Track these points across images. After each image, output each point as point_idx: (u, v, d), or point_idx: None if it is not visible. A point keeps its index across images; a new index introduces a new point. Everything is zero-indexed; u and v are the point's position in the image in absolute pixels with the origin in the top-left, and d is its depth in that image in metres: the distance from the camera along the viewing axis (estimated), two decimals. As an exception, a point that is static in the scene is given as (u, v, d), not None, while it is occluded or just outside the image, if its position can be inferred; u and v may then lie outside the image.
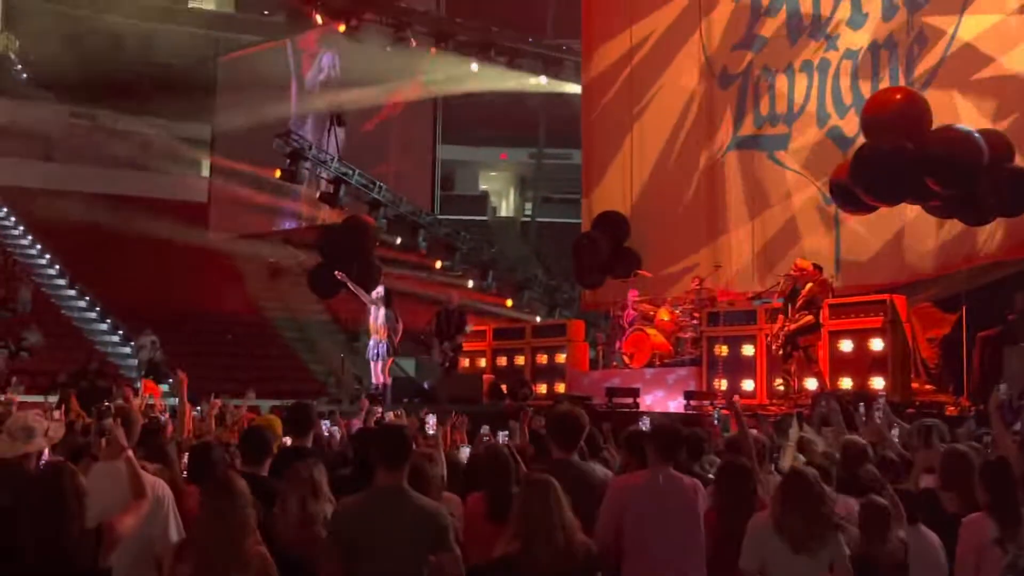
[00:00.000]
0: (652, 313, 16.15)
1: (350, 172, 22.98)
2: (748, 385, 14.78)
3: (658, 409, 14.37)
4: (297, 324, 28.80)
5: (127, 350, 25.12)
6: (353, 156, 24.70)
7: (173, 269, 27.29)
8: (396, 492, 5.01)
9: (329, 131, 26.26)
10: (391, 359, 17.27)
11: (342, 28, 23.20)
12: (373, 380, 17.25)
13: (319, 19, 23.66)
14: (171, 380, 15.39)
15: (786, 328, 13.40)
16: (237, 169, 28.76)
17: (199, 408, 10.40)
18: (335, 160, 23.16)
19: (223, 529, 4.54)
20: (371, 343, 17.21)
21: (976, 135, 11.16)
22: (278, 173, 22.94)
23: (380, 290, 17.47)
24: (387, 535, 4.91)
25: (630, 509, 5.53)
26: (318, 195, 23.39)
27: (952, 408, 12.53)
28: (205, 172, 33.66)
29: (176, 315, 25.53)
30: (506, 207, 38.01)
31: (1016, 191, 11.50)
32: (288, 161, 22.32)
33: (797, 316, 13.37)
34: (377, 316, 17.04)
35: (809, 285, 13.33)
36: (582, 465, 6.02)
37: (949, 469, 6.29)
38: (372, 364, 17.23)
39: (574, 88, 23.05)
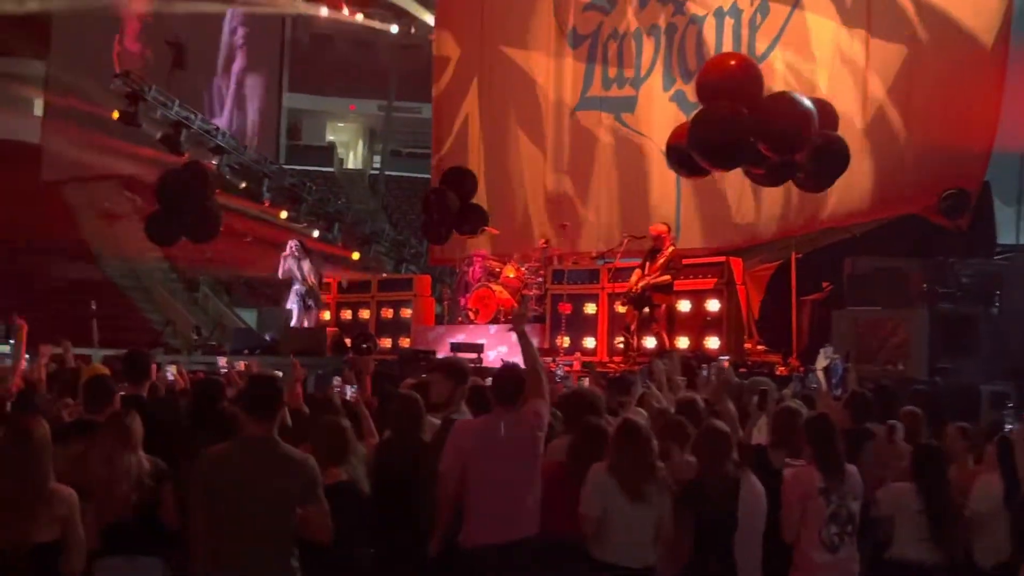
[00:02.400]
0: (498, 270, 16.25)
1: (192, 117, 22.28)
2: (590, 343, 15.10)
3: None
4: (133, 272, 27.93)
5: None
6: (195, 101, 23.97)
7: (1, 213, 26.06)
8: (264, 442, 5.01)
9: (170, 72, 25.40)
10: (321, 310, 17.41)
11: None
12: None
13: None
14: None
15: (644, 281, 13.54)
16: (73, 108, 27.53)
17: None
18: (176, 104, 22.41)
19: (19, 471, 4.73)
20: (295, 291, 17.09)
21: (807, 103, 11.53)
22: (116, 114, 22.06)
23: (294, 243, 17.47)
24: (254, 485, 4.90)
25: (470, 447, 5.72)
26: (158, 137, 22.60)
27: (783, 368, 13.02)
28: (38, 111, 32.14)
29: (4, 261, 24.44)
30: (354, 159, 37.54)
31: (835, 161, 11.94)
32: (127, 102, 21.49)
33: (655, 274, 13.59)
34: (301, 266, 17.03)
35: (671, 249, 13.57)
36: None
37: (779, 426, 6.60)
38: (298, 313, 17.06)
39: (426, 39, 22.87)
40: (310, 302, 17.08)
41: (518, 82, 18.46)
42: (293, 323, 16.87)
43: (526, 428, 5.74)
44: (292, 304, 17.19)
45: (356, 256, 23.15)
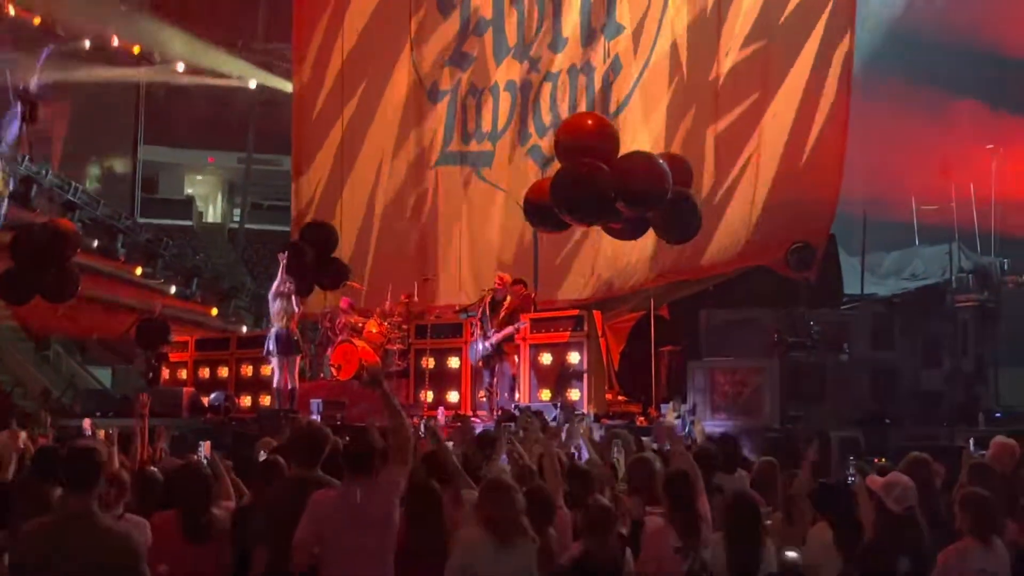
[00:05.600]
0: (361, 325, 16.14)
1: (42, 171, 21.66)
2: (453, 396, 15.10)
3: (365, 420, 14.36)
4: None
5: None
6: (46, 153, 23.29)
7: None
8: (83, 516, 4.81)
9: (21, 126, 24.61)
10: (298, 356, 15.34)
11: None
12: (278, 383, 14.85)
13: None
14: None
15: (491, 339, 13.81)
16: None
17: None
18: (26, 158, 21.76)
19: None
20: (275, 333, 14.81)
21: (660, 161, 11.86)
22: (-40, 171, 21.29)
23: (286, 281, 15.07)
24: (69, 562, 4.69)
25: (326, 518, 5.62)
26: (7, 196, 21.87)
27: (642, 419, 13.24)
28: None
29: None
30: (213, 213, 36.85)
31: (688, 217, 12.30)
32: (-29, 158, 20.80)
33: (499, 326, 13.83)
34: (287, 306, 14.80)
35: (509, 298, 13.82)
36: (324, 479, 6.01)
37: (635, 475, 6.71)
38: (277, 361, 14.82)
39: (285, 90, 22.71)
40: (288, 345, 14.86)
41: (379, 136, 18.46)
42: (275, 383, 14.91)
43: (382, 496, 5.69)
44: (272, 348, 14.84)
45: (214, 312, 22.74)
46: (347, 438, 6.26)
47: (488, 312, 14.12)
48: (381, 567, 5.64)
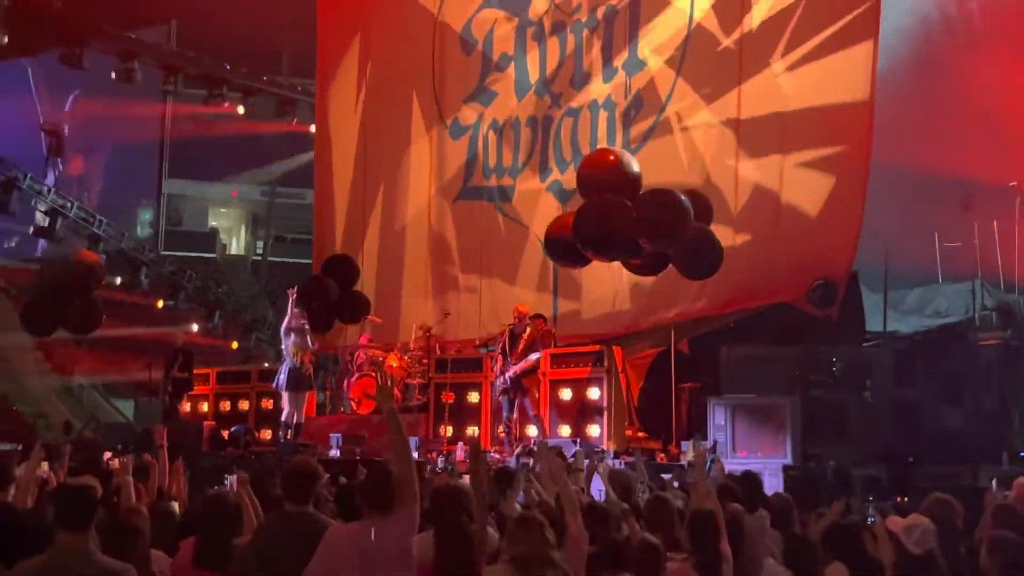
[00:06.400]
0: (381, 358, 16.18)
1: (68, 204, 21.86)
2: (473, 431, 15.07)
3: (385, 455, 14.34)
4: (4, 361, 26.91)
5: None
6: (73, 187, 23.52)
7: None
8: (78, 553, 4.83)
9: (47, 161, 24.90)
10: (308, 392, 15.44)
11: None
12: (287, 417, 14.95)
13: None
14: None
15: (511, 372, 13.83)
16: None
17: None
18: (51, 191, 21.97)
19: None
20: (287, 368, 14.90)
21: (682, 196, 11.85)
22: (-12, 203, 21.49)
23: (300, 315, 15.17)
24: None
25: (340, 555, 5.55)
26: (31, 230, 22.10)
27: (662, 455, 13.19)
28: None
29: None
30: (237, 245, 37.04)
31: (708, 252, 12.27)
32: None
33: (518, 360, 13.84)
34: (301, 342, 14.89)
35: (528, 330, 13.82)
36: (317, 516, 5.97)
37: (652, 514, 6.68)
38: (287, 396, 14.89)
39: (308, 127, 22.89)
40: (300, 382, 14.94)
41: (400, 171, 18.56)
42: (284, 416, 14.95)
43: (397, 534, 5.65)
44: (281, 383, 14.92)
45: (235, 346, 22.79)
46: (364, 472, 6.24)
47: (508, 346, 14.16)
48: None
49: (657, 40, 15.94)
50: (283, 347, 15.21)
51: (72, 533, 4.85)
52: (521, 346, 14.09)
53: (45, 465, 9.65)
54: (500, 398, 14.27)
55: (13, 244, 26.89)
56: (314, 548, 5.54)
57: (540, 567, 5.45)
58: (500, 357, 14.22)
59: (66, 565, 4.80)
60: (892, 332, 15.05)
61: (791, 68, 14.68)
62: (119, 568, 4.92)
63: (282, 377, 14.89)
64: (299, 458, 6.01)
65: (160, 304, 22.84)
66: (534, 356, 14.07)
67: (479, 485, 6.03)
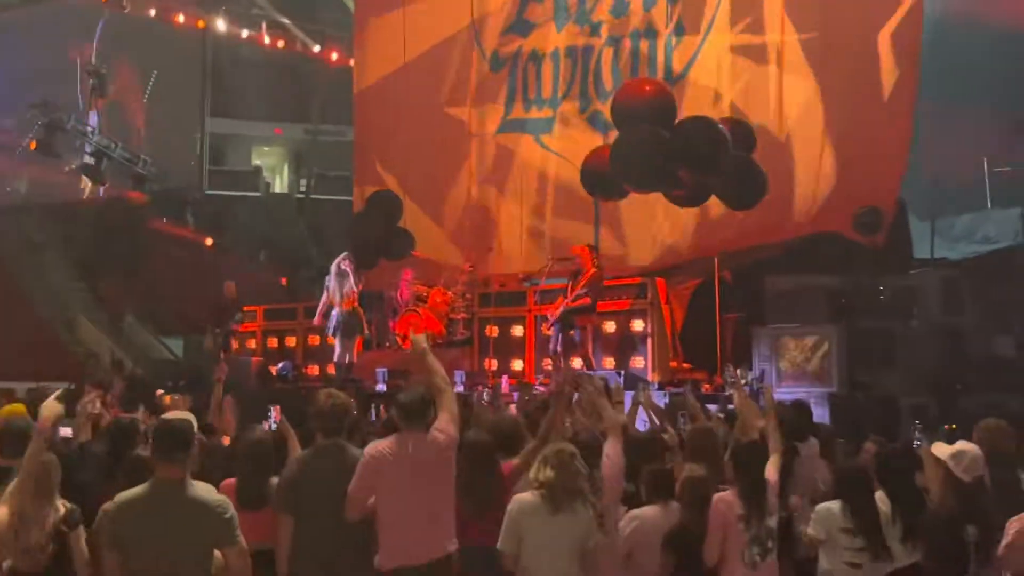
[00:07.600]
0: (425, 294, 16.23)
1: (112, 145, 21.99)
2: (517, 365, 15.13)
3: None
4: (57, 301, 27.30)
5: None
6: (117, 127, 23.60)
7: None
8: (175, 485, 4.97)
9: (90, 101, 24.98)
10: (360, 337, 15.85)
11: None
12: (338, 358, 15.45)
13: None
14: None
15: (564, 305, 13.76)
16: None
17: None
18: (96, 132, 22.09)
19: None
20: (335, 316, 15.32)
21: (721, 126, 11.70)
22: (33, 145, 21.66)
23: (340, 259, 15.65)
24: (165, 530, 4.87)
25: (379, 471, 5.69)
26: (77, 167, 22.27)
27: (707, 386, 13.17)
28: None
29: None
30: (280, 183, 37.16)
31: (752, 183, 12.13)
32: (44, 132, 21.13)
33: (574, 297, 13.78)
34: (343, 284, 15.34)
35: (593, 270, 13.73)
36: (346, 446, 6.06)
37: (696, 444, 6.73)
38: (339, 340, 15.33)
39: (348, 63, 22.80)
40: (349, 327, 15.37)
41: (440, 106, 18.45)
42: (335, 357, 15.44)
43: (434, 447, 5.73)
44: (333, 330, 15.39)
45: (285, 282, 22.97)
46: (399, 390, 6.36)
47: (570, 282, 14.08)
48: (438, 516, 5.70)
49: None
50: (328, 288, 15.40)
51: (169, 465, 4.98)
52: (580, 282, 13.93)
53: (98, 402, 9.86)
54: (549, 330, 14.18)
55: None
56: (344, 474, 5.68)
57: (570, 498, 5.54)
58: (560, 295, 14.16)
59: (164, 496, 4.94)
60: (940, 259, 14.86)
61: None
62: (216, 499, 5.06)
63: (332, 325, 15.27)
64: (328, 393, 6.09)
65: (208, 242, 23.02)
66: (585, 292, 13.91)
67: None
